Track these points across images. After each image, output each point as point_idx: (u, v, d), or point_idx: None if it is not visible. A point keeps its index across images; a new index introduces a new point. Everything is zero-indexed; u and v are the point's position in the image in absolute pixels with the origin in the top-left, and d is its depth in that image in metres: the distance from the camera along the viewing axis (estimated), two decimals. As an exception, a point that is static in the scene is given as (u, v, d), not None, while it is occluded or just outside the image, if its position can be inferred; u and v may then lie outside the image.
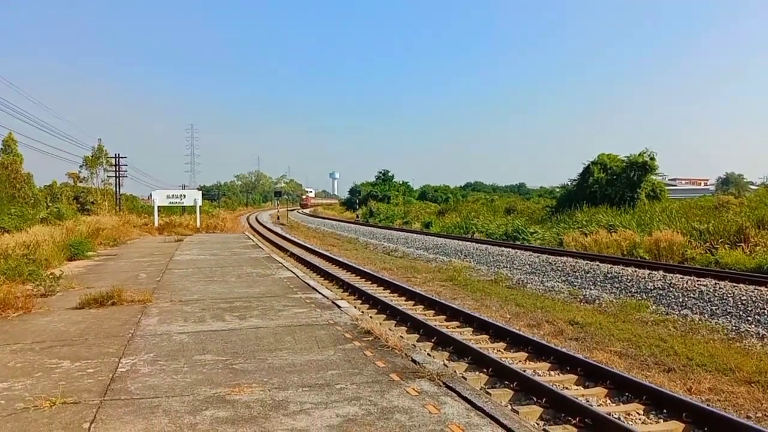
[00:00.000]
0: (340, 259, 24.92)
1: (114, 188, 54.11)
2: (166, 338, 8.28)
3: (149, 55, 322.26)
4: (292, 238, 39.46)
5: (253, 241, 29.46)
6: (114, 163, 54.02)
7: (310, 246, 32.82)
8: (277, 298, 11.67)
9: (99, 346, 7.85)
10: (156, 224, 38.90)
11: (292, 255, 27.02)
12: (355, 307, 12.64)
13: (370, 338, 8.10)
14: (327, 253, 27.99)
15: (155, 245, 26.68)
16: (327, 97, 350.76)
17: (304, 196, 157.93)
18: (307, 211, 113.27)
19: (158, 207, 40.38)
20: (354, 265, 22.69)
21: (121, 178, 54.40)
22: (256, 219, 73.78)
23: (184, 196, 41.78)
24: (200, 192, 45.75)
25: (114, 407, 5.51)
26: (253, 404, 5.55)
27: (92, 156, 51.79)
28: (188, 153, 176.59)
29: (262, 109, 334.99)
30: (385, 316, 13.15)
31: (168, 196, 40.70)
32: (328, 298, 11.52)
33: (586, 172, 39.39)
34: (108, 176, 53.65)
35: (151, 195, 44.41)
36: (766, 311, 12.26)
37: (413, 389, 5.96)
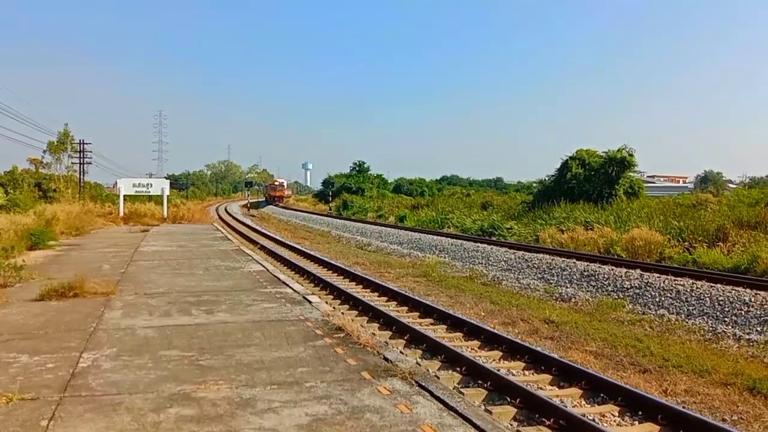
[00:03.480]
0: (312, 253, 24.72)
1: (78, 175, 53.02)
2: (130, 332, 8.04)
3: (116, 38, 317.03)
4: (263, 230, 39.14)
5: (222, 232, 29.12)
6: (79, 149, 52.92)
7: (280, 239, 32.55)
8: (246, 292, 11.45)
9: (59, 340, 7.59)
10: (121, 213, 38.21)
11: (263, 248, 26.75)
12: (327, 302, 12.45)
13: (342, 335, 7.95)
14: (298, 247, 27.76)
15: (120, 235, 26.24)
16: (300, 87, 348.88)
17: (276, 182, 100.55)
18: (281, 204, 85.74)
19: (124, 196, 39.66)
20: (326, 259, 22.52)
21: (85, 165, 53.34)
22: (226, 210, 73.17)
23: (151, 185, 41.16)
24: (168, 181, 45.10)
25: (74, 404, 5.32)
26: (219, 402, 5.39)
27: (57, 141, 50.64)
28: (156, 140, 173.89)
29: (234, 96, 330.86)
30: (357, 312, 13.00)
31: (134, 185, 40.05)
32: (298, 293, 11.34)
33: (564, 167, 39.04)
34: (72, 163, 52.52)
35: (116, 183, 43.67)
36: (743, 312, 12.32)
37: (385, 388, 5.85)
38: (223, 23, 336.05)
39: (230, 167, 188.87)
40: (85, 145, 53.24)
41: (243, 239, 31.42)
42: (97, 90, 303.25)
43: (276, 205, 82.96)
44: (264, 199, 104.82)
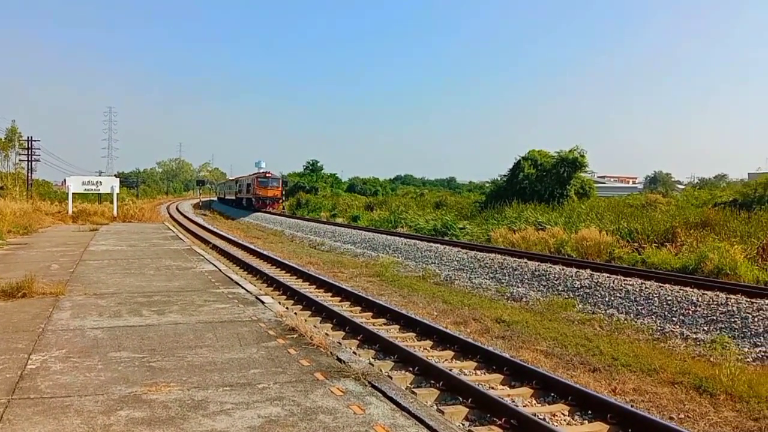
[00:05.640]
0: (265, 253, 24.59)
1: (26, 173, 51.82)
2: (80, 333, 7.90)
3: (65, 31, 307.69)
4: (215, 230, 38.76)
5: (174, 231, 28.72)
6: (27, 146, 51.71)
7: (233, 238, 32.29)
8: (198, 292, 11.33)
9: (7, 342, 7.41)
10: (70, 212, 37.39)
11: (215, 247, 26.51)
12: (280, 302, 12.39)
13: (295, 336, 7.94)
14: (251, 246, 27.60)
15: (69, 234, 25.66)
16: (253, 84, 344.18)
17: (268, 175, 63.16)
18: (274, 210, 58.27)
19: (73, 194, 38.82)
20: (279, 258, 22.43)
21: (33, 163, 52.17)
22: (177, 209, 72.13)
23: (101, 183, 40.37)
24: (118, 179, 44.36)
25: (22, 407, 5.21)
26: (170, 404, 5.34)
27: (4, 138, 49.38)
28: (106, 138, 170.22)
29: (185, 93, 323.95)
30: (310, 312, 12.99)
31: (83, 183, 39.20)
32: (251, 294, 11.28)
33: (517, 167, 39.44)
34: (20, 160, 51.37)
35: (65, 181, 42.72)
36: (690, 312, 12.64)
37: (338, 389, 5.86)
38: (172, 18, 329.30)
39: (182, 165, 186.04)
40: (33, 142, 52.03)
41: (195, 238, 31.07)
42: (46, 85, 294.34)
43: (267, 212, 54.65)
44: (226, 197, 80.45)
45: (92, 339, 7.63)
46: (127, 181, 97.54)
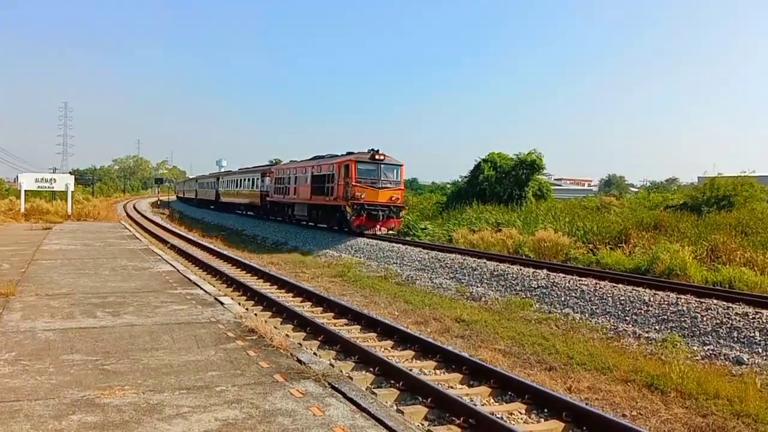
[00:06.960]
0: (225, 252, 24.35)
1: (-23, 170, 50.54)
2: (30, 335, 7.67)
3: (18, 24, 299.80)
4: (173, 229, 38.23)
5: (130, 231, 28.24)
6: (-23, 142, 50.42)
7: (192, 238, 31.91)
8: (155, 293, 11.12)
9: (-48, 345, 7.16)
10: (22, 210, 36.58)
11: (173, 247, 26.12)
12: (239, 303, 12.22)
13: (254, 337, 7.85)
14: (211, 246, 27.27)
15: (21, 233, 25.04)
16: (213, 80, 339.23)
17: (377, 155, 27.66)
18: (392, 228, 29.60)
19: (25, 191, 37.99)
20: (239, 258, 22.24)
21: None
22: (134, 207, 71.00)
23: (55, 180, 39.61)
24: (73, 176, 43.50)
25: (-32, 413, 5.02)
26: (125, 408, 5.21)
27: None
28: (61, 134, 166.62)
29: (144, 89, 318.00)
30: (271, 313, 12.88)
31: (37, 180, 38.41)
32: (210, 294, 11.12)
33: (477, 169, 40.15)
34: (-30, 157, 49.99)
35: (17, 178, 41.74)
36: (642, 311, 12.88)
37: (298, 391, 5.80)
38: (129, 10, 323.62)
39: (140, 163, 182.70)
40: (-18, 138, 50.71)
41: (152, 238, 30.57)
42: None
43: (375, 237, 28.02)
44: (221, 199, 56.13)
45: (44, 341, 7.42)
46: (82, 178, 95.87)
